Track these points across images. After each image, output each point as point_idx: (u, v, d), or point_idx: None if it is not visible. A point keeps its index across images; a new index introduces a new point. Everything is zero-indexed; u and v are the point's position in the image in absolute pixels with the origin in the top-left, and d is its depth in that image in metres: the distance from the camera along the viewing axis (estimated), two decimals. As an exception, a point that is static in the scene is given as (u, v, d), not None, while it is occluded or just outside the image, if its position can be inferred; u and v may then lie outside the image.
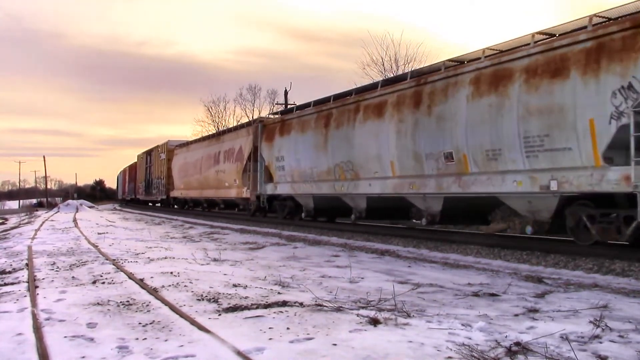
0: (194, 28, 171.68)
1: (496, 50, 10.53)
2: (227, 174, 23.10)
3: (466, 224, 13.42)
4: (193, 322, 4.56)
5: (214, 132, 37.23)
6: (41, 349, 3.83)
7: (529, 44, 9.56)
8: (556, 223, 9.45)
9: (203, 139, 29.45)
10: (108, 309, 5.15)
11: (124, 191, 55.88)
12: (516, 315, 5.09)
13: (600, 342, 4.10)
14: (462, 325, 4.56)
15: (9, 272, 7.70)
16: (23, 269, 7.95)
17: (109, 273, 7.38)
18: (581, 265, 8.16)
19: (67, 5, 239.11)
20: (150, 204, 42.45)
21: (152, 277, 6.94)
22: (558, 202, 9.18)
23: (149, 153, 40.56)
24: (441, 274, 7.79)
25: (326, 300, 5.54)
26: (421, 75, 12.13)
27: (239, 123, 24.66)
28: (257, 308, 5.18)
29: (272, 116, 20.61)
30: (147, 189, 40.23)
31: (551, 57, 8.97)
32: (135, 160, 47.41)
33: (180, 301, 5.48)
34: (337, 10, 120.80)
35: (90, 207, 50.34)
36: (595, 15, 8.64)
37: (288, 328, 4.42)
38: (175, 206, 34.42)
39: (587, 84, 8.29)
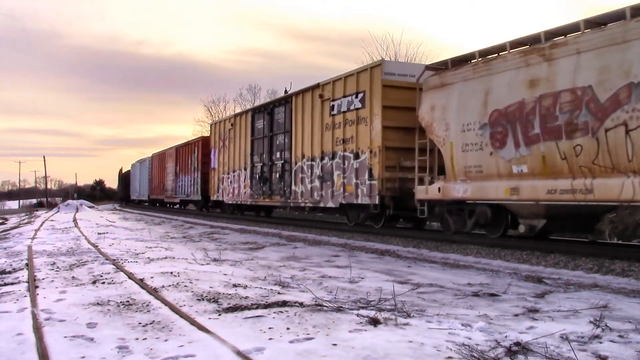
0: (192, 27, 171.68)
1: None
2: None
3: None
4: (193, 322, 4.56)
5: None
6: (41, 349, 3.83)
7: None
8: None
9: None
10: (108, 309, 5.15)
11: (159, 190, 37.25)
12: (516, 315, 5.09)
13: (600, 342, 4.10)
14: (462, 325, 4.57)
15: (9, 272, 7.70)
16: (23, 269, 7.94)
17: (109, 273, 7.38)
18: (581, 265, 8.17)
19: (66, 5, 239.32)
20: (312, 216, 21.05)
21: (152, 277, 6.94)
22: None
23: (268, 110, 19.11)
24: (441, 274, 7.80)
25: (326, 300, 5.54)
26: None
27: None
28: (257, 308, 5.18)
29: None
30: (267, 185, 19.11)
31: None
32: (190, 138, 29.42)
33: (180, 301, 5.48)
34: (337, 10, 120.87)
35: (90, 207, 50.29)
36: None
37: (288, 328, 4.42)
38: (475, 230, 11.63)
39: None
